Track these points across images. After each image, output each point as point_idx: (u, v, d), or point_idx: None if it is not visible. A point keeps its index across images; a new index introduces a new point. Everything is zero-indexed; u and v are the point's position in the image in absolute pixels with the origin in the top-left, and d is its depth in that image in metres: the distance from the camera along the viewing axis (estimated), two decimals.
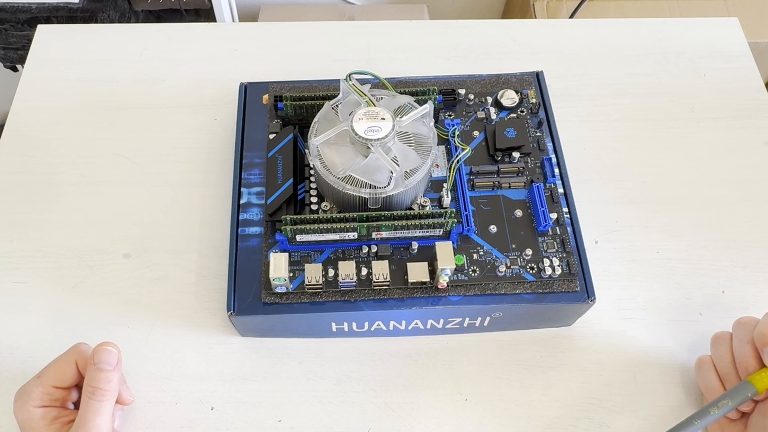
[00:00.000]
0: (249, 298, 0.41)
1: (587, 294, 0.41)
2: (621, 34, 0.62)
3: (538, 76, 0.50)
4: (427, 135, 0.42)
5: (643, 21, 0.63)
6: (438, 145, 0.45)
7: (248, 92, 0.49)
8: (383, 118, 0.39)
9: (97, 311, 0.46)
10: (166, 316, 0.46)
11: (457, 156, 0.45)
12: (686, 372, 0.45)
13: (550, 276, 0.41)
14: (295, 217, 0.40)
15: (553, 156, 0.46)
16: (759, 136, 0.56)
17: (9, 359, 0.44)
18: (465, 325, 0.44)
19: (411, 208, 0.43)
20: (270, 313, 0.41)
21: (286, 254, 0.39)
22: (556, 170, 0.45)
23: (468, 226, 0.42)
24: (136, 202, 0.51)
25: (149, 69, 0.58)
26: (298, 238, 0.41)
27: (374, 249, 0.42)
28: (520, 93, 0.48)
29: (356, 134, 0.39)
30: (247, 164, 0.46)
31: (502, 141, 0.45)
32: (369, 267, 0.41)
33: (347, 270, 0.40)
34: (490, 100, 0.48)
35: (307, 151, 0.44)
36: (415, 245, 0.42)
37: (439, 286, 0.41)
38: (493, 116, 0.47)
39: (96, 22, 0.93)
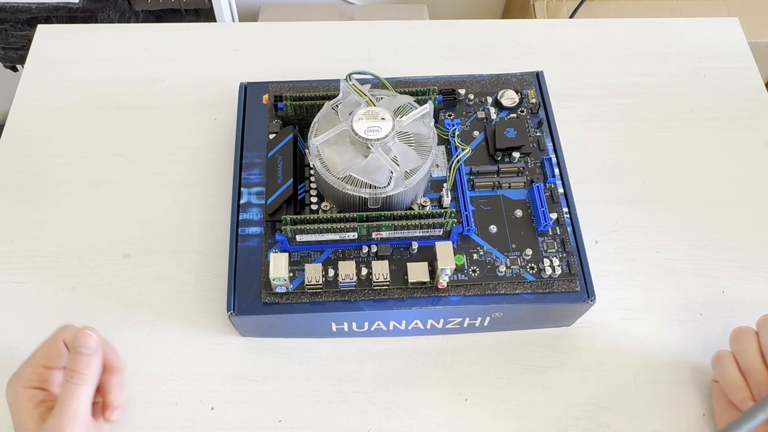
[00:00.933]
0: (249, 298, 0.41)
1: (587, 294, 0.41)
2: (621, 34, 0.62)
3: (538, 76, 0.50)
4: (427, 135, 0.42)
5: (643, 21, 0.63)
6: (438, 145, 0.45)
7: (248, 92, 0.49)
8: (383, 118, 0.39)
9: (97, 311, 0.46)
10: (166, 316, 0.46)
11: (457, 156, 0.45)
12: (686, 372, 0.45)
13: (550, 276, 0.41)
14: (295, 217, 0.40)
15: (553, 156, 0.46)
16: (759, 136, 0.56)
17: (9, 359, 0.44)
18: (465, 325, 0.44)
19: (411, 208, 0.43)
20: (270, 313, 0.41)
21: (286, 254, 0.39)
22: (556, 170, 0.45)
23: (468, 226, 0.42)
24: (136, 202, 0.51)
25: (149, 69, 0.58)
26: (298, 238, 0.41)
27: (374, 249, 0.42)
28: (520, 93, 0.48)
29: (356, 134, 0.39)
30: (247, 164, 0.46)
31: (502, 141, 0.45)
32: (369, 267, 0.41)
33: (347, 270, 0.40)
34: (490, 100, 0.48)
35: (307, 151, 0.44)
36: (415, 245, 0.42)
37: (439, 286, 0.41)
38: (493, 116, 0.47)
39: (96, 22, 0.93)
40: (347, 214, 0.40)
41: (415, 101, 0.43)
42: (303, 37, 0.61)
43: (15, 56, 1.00)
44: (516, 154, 0.45)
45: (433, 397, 0.44)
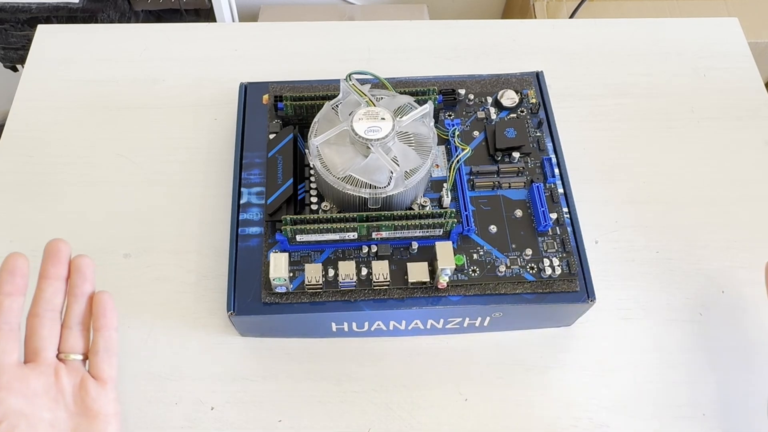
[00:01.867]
0: (249, 298, 0.41)
1: (587, 294, 0.41)
2: (621, 34, 0.62)
3: (538, 76, 0.50)
4: (427, 135, 0.42)
5: (643, 21, 0.63)
6: (438, 145, 0.45)
7: (248, 92, 0.49)
8: (383, 118, 0.39)
9: None
10: (166, 316, 0.46)
11: (457, 156, 0.45)
12: (686, 372, 0.45)
13: (550, 276, 0.41)
14: (295, 217, 0.40)
15: (553, 156, 0.46)
16: (759, 136, 0.56)
17: None
18: (465, 325, 0.44)
19: (411, 208, 0.43)
20: (270, 313, 0.41)
21: (286, 254, 0.39)
22: (556, 170, 0.45)
23: (468, 226, 0.42)
24: (136, 202, 0.51)
25: (149, 69, 0.58)
26: (298, 238, 0.41)
27: (374, 249, 0.42)
28: (520, 93, 0.48)
29: (356, 134, 0.39)
30: (247, 164, 0.46)
31: (502, 141, 0.45)
32: (369, 267, 0.41)
33: (347, 270, 0.40)
34: (490, 100, 0.48)
35: (307, 151, 0.44)
36: (415, 245, 0.42)
37: (439, 286, 0.41)
38: (493, 116, 0.47)
39: (96, 22, 0.93)
40: (347, 214, 0.40)
41: (415, 101, 0.43)
42: (303, 37, 0.61)
43: (15, 56, 1.00)
44: (516, 154, 0.45)
45: (433, 397, 0.44)
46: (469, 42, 0.61)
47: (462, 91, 0.48)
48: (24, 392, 0.31)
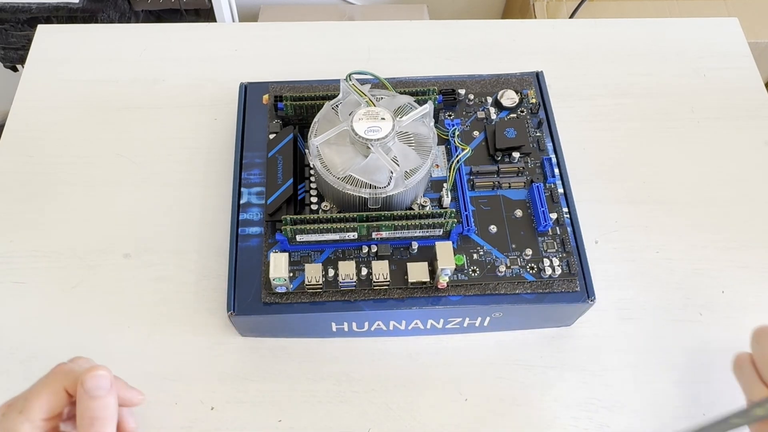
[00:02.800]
0: (249, 298, 0.41)
1: (587, 294, 0.41)
2: (621, 34, 0.62)
3: (538, 76, 0.50)
4: (427, 135, 0.42)
5: (643, 21, 0.63)
6: (438, 145, 0.45)
7: (248, 92, 0.49)
8: (383, 118, 0.39)
9: (97, 311, 0.46)
10: (166, 316, 0.46)
11: (457, 156, 0.45)
12: (686, 372, 0.45)
13: (550, 276, 0.41)
14: (295, 217, 0.40)
15: (553, 156, 0.46)
16: (759, 136, 0.56)
17: (9, 359, 0.44)
18: (465, 325, 0.44)
19: (411, 208, 0.43)
20: (270, 313, 0.41)
21: (286, 254, 0.39)
22: (556, 170, 0.45)
23: (468, 226, 0.42)
24: (136, 202, 0.51)
25: (149, 69, 0.58)
26: (298, 238, 0.41)
27: (374, 249, 0.42)
28: (520, 93, 0.48)
29: (356, 134, 0.39)
30: (247, 164, 0.46)
31: (502, 141, 0.45)
32: (369, 267, 0.41)
33: (347, 270, 0.40)
34: (490, 100, 0.48)
35: (307, 151, 0.44)
36: (415, 245, 0.42)
37: (439, 286, 0.41)
38: (493, 116, 0.47)
39: (96, 22, 0.93)
40: (347, 214, 0.40)
41: (415, 101, 0.43)
42: (303, 37, 0.61)
43: (15, 56, 1.00)
44: (516, 154, 0.45)
45: (433, 397, 0.44)
46: (469, 42, 0.61)
47: (462, 91, 0.48)
48: None
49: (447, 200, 0.43)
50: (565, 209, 0.44)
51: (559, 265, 0.41)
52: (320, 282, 0.40)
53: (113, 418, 0.34)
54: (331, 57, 0.60)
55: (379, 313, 0.41)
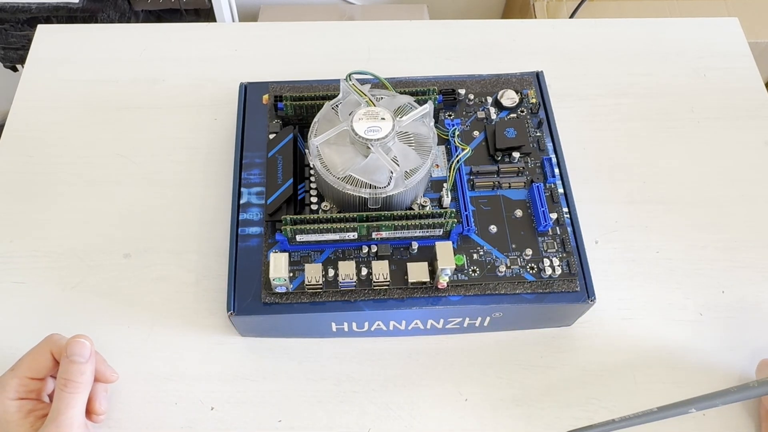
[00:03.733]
0: (249, 298, 0.41)
1: (587, 294, 0.41)
2: (621, 34, 0.62)
3: (538, 76, 0.50)
4: (427, 135, 0.42)
5: (643, 21, 0.63)
6: (438, 145, 0.45)
7: (248, 92, 0.49)
8: (383, 118, 0.39)
9: (97, 311, 0.46)
10: (166, 316, 0.46)
11: (457, 156, 0.45)
12: (686, 372, 0.45)
13: (550, 276, 0.41)
14: (295, 217, 0.40)
15: (553, 156, 0.46)
16: (759, 136, 0.56)
17: (9, 359, 0.44)
18: (465, 325, 0.44)
19: (411, 208, 0.43)
20: (270, 313, 0.41)
21: (286, 254, 0.39)
22: (556, 170, 0.45)
23: (468, 226, 0.42)
24: (136, 202, 0.51)
25: (149, 69, 0.58)
26: (298, 238, 0.41)
27: (374, 249, 0.42)
28: (520, 93, 0.48)
29: (356, 134, 0.39)
30: (247, 164, 0.46)
31: (502, 141, 0.45)
32: (369, 267, 0.41)
33: (347, 270, 0.40)
34: (490, 100, 0.48)
35: (307, 151, 0.44)
36: (415, 245, 0.42)
37: (439, 286, 0.41)
38: (493, 116, 0.47)
39: (96, 22, 0.93)
40: (347, 214, 0.40)
41: (415, 101, 0.43)
42: (303, 37, 0.61)
43: (15, 56, 1.00)
44: (516, 154, 0.45)
45: (433, 397, 0.44)
46: (469, 42, 0.61)
47: (462, 91, 0.48)
48: None
49: (447, 200, 0.43)
50: (565, 209, 0.44)
51: (559, 265, 0.41)
52: (320, 282, 0.40)
53: (87, 385, 0.38)
54: (331, 57, 0.60)
55: (379, 313, 0.41)
